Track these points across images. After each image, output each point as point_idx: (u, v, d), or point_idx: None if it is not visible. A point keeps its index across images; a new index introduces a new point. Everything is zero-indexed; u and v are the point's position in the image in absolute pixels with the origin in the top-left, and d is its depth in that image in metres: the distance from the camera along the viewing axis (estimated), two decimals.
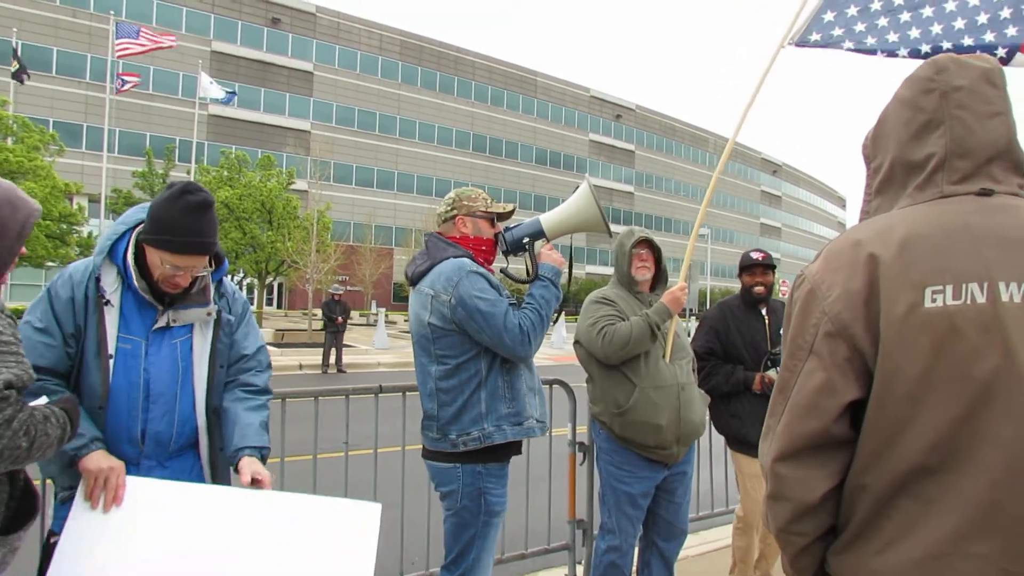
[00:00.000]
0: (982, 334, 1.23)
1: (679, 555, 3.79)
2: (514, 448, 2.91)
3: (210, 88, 31.13)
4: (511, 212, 3.09)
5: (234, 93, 31.76)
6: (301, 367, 18.04)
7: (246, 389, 2.48)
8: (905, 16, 3.71)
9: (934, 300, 1.26)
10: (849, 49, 3.77)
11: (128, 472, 2.19)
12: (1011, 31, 3.54)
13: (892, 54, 3.70)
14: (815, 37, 3.83)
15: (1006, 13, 3.55)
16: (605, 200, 71.66)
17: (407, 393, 3.75)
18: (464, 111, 65.07)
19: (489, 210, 3.01)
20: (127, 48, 26.64)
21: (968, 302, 1.25)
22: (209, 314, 2.36)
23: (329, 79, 57.50)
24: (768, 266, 4.14)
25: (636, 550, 3.72)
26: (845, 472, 1.35)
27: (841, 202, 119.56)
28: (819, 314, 1.34)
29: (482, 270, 2.83)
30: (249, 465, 2.29)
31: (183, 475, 2.32)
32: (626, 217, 73.95)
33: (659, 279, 3.77)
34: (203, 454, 2.38)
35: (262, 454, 2.38)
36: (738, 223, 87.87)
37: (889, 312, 1.28)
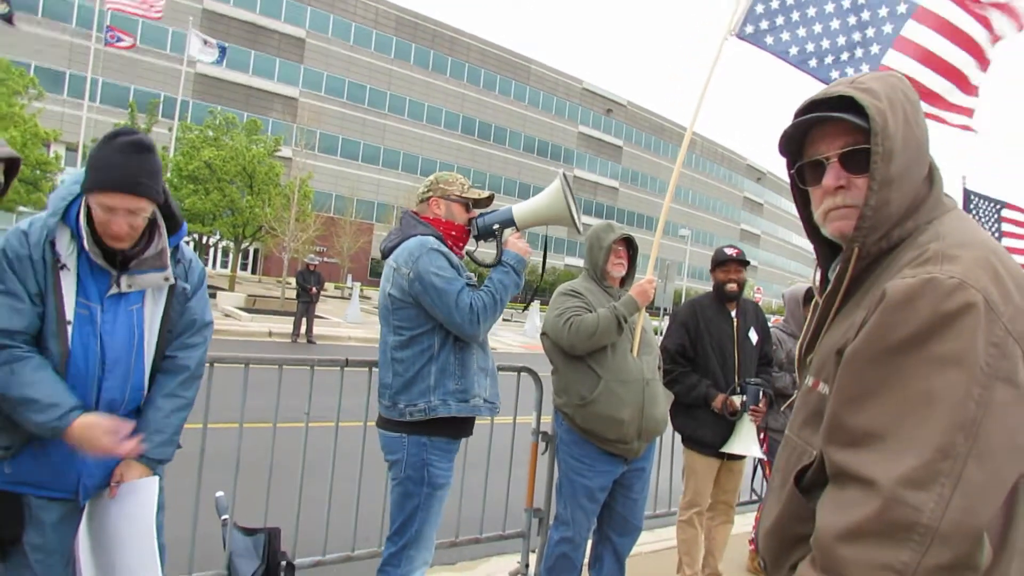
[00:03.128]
0: None
1: (632, 551, 3.80)
2: (464, 427, 2.98)
3: (203, 51, 30.64)
4: (488, 199, 3.16)
5: (224, 50, 31.22)
6: (271, 334, 17.90)
7: (180, 380, 2.38)
8: (811, 11, 3.92)
9: None
10: (770, 46, 3.89)
11: None
12: (885, 33, 3.87)
13: (802, 50, 3.92)
14: (749, 29, 3.93)
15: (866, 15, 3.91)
16: (589, 194, 72.01)
17: (373, 368, 3.71)
18: (455, 92, 64.66)
19: (464, 195, 3.11)
20: (118, 1, 26.09)
21: None
22: (167, 279, 2.28)
23: (321, 48, 56.79)
24: (742, 262, 4.13)
25: (589, 543, 3.73)
26: None
27: None
28: (1002, 333, 1.10)
29: (444, 249, 2.92)
30: (123, 468, 2.26)
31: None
32: (609, 212, 74.07)
33: (629, 276, 3.77)
34: None
35: (157, 466, 2.34)
36: (719, 227, 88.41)
37: None
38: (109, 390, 2.21)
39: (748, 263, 4.22)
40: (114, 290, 2.21)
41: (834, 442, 1.17)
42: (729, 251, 4.17)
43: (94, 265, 2.19)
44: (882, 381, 1.13)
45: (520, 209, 3.05)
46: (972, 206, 8.90)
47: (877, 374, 1.14)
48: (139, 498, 2.25)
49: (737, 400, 3.89)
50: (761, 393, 3.90)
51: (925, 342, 1.10)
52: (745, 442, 3.91)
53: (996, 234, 8.85)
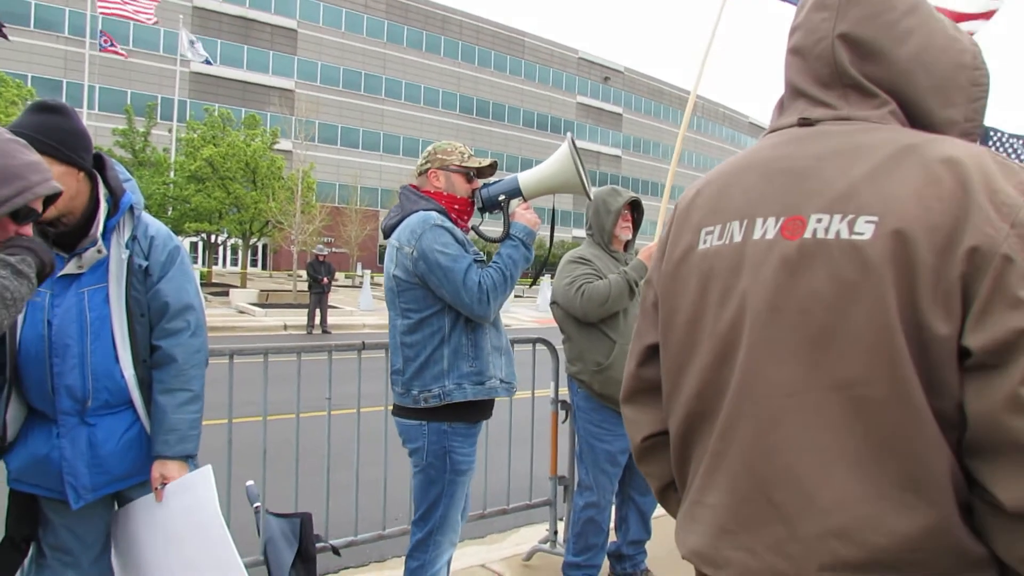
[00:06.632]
0: (732, 276, 1.16)
1: (656, 511, 3.86)
2: (483, 410, 2.86)
3: (191, 51, 30.77)
4: (490, 167, 2.99)
5: (209, 62, 31.46)
6: (286, 327, 18.04)
7: (172, 372, 2.30)
8: None
9: (705, 241, 1.22)
10: None
11: (45, 427, 2.20)
12: None
13: None
14: None
15: None
16: (592, 163, 71.59)
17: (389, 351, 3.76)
18: (451, 71, 64.26)
19: (464, 164, 2.92)
20: (110, 6, 26.08)
21: (727, 242, 1.18)
22: (100, 251, 2.20)
23: (314, 37, 56.48)
24: None
25: (613, 506, 3.79)
26: None
27: None
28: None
29: (448, 224, 2.75)
30: (159, 469, 2.27)
31: (115, 434, 2.25)
32: (613, 180, 73.44)
33: (631, 240, 3.78)
34: (139, 411, 2.30)
35: (190, 461, 2.33)
36: None
37: (669, 256, 1.30)
38: (62, 375, 2.15)
39: None
40: (64, 271, 2.16)
41: None
42: None
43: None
44: None
45: (526, 178, 2.86)
46: (991, 143, 8.62)
47: None
48: (196, 493, 2.25)
49: None
50: None
51: None
52: None
53: None
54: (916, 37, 1.15)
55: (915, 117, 1.16)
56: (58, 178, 2.10)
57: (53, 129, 2.12)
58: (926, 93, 1.15)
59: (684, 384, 1.23)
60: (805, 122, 1.20)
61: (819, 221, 1.06)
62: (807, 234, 1.07)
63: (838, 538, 1.00)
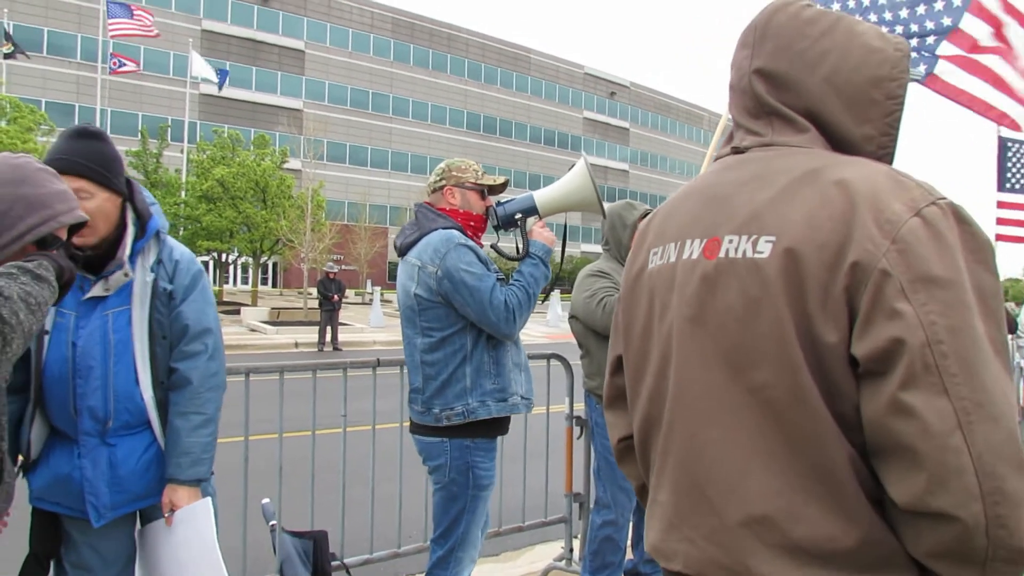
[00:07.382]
0: (667, 292, 1.27)
1: None
2: (503, 425, 2.86)
3: (204, 68, 31.10)
4: (503, 185, 3.00)
5: (226, 72, 31.75)
6: (297, 345, 18.07)
7: (187, 395, 2.30)
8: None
9: (652, 261, 1.34)
10: None
11: (66, 447, 2.22)
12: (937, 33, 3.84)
13: None
14: None
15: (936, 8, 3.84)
16: (600, 178, 71.00)
17: (404, 368, 3.76)
18: (457, 89, 64.66)
19: (479, 182, 2.93)
20: (119, 28, 26.44)
21: (666, 261, 1.29)
22: (126, 275, 2.22)
23: (321, 57, 57.02)
24: None
25: (631, 524, 3.76)
26: None
27: None
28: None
29: (471, 243, 2.76)
30: (169, 494, 2.27)
31: (135, 454, 2.26)
32: (621, 195, 73.58)
33: None
34: (156, 432, 2.30)
35: (201, 486, 2.32)
36: None
37: (629, 275, 1.42)
38: (84, 396, 2.17)
39: None
40: (89, 294, 2.19)
41: None
42: None
43: (79, 275, 2.18)
44: None
45: (543, 196, 2.86)
46: (1010, 153, 8.53)
47: None
48: (196, 523, 2.25)
49: None
50: None
51: None
52: None
53: None
54: (830, 58, 1.20)
55: (835, 138, 1.22)
56: (102, 204, 2.17)
57: (98, 155, 2.17)
58: (841, 113, 1.21)
59: (641, 391, 1.34)
60: (737, 150, 1.30)
61: (731, 242, 1.16)
62: (721, 254, 1.17)
63: (761, 524, 1.08)
